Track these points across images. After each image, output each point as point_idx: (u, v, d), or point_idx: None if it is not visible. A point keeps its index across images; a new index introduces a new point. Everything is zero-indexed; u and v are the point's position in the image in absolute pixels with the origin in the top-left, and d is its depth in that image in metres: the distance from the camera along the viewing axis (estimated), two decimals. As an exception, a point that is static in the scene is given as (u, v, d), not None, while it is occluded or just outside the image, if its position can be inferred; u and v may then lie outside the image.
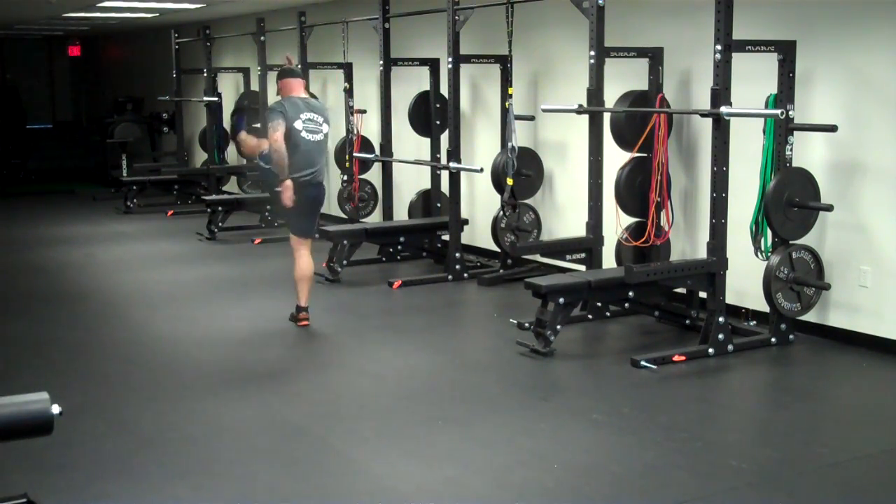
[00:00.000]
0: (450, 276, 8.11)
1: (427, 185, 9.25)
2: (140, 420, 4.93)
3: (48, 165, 17.94)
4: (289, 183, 6.33)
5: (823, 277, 6.03)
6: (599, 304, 6.63)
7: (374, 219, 10.04)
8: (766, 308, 6.09)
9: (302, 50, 10.34)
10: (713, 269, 5.93)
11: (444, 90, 8.37)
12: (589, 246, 6.73)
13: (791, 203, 5.85)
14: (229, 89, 13.77)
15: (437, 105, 8.87)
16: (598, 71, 6.49)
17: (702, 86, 6.54)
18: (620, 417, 4.85)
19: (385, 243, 8.70)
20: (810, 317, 6.16)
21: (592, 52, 6.49)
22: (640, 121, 6.67)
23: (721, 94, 5.68)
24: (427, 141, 9.07)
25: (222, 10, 12.68)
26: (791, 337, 6.07)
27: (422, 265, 8.77)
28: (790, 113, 5.88)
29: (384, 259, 8.73)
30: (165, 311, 7.28)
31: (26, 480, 3.98)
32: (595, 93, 6.51)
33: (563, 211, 8.22)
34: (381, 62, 8.91)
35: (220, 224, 10.50)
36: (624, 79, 6.98)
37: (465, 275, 8.14)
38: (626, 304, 6.30)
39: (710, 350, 5.82)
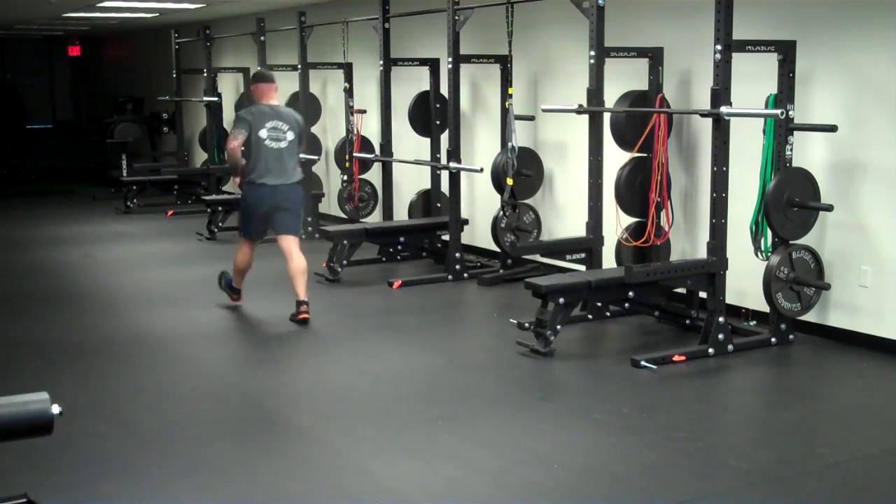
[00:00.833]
0: (450, 276, 8.11)
1: (427, 185, 9.25)
2: (140, 420, 4.93)
3: (48, 165, 17.95)
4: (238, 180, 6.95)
5: (823, 277, 6.03)
6: (599, 304, 6.62)
7: (374, 219, 10.04)
8: (766, 308, 6.09)
9: (302, 50, 10.35)
10: (713, 269, 5.93)
11: (444, 90, 8.36)
12: (589, 246, 6.73)
13: (791, 203, 5.85)
14: (229, 89, 13.78)
15: (437, 105, 8.87)
16: (598, 71, 6.49)
17: (702, 86, 6.54)
18: (620, 417, 4.85)
19: (385, 243, 8.69)
20: (810, 317, 6.16)
21: (592, 52, 6.48)
22: (640, 121, 6.67)
23: (721, 94, 5.68)
24: (427, 141, 9.07)
25: (222, 10, 12.68)
26: (791, 337, 6.07)
27: (422, 265, 8.77)
28: (790, 113, 5.88)
29: (384, 259, 8.73)
30: (165, 311, 7.27)
31: (26, 480, 3.98)
32: (595, 93, 6.51)
33: (563, 211, 8.22)
34: (381, 62, 8.90)
35: (220, 224, 10.49)
36: (624, 79, 6.98)
37: (465, 275, 8.14)
38: (626, 304, 6.29)
39: (710, 350, 5.82)
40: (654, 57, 6.83)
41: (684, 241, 7.07)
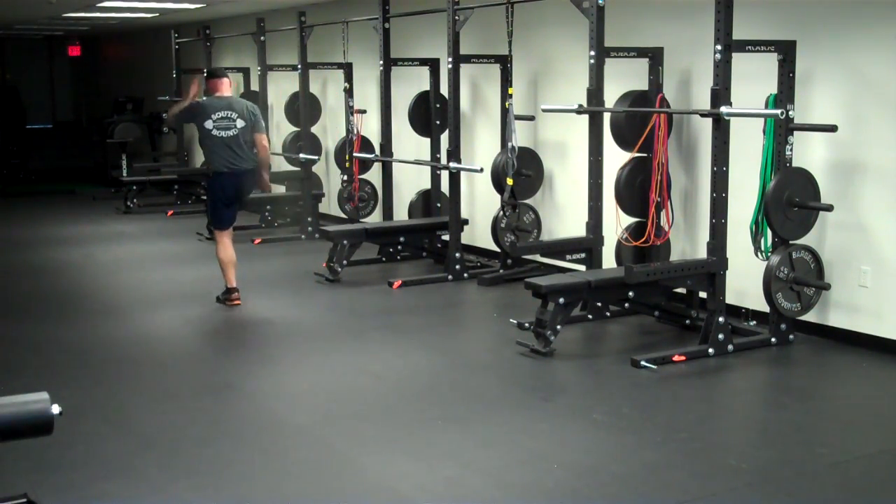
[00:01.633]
0: (450, 276, 8.11)
1: (427, 185, 9.25)
2: (140, 420, 4.93)
3: (48, 165, 17.94)
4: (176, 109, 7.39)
5: (823, 277, 6.03)
6: (599, 304, 6.62)
7: (374, 219, 10.04)
8: (766, 308, 6.09)
9: (302, 50, 10.34)
10: (713, 269, 5.93)
11: (444, 90, 8.36)
12: (589, 246, 6.72)
13: (791, 203, 5.85)
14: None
15: (437, 105, 8.87)
16: (598, 71, 6.49)
17: (702, 86, 6.54)
18: (620, 417, 4.85)
19: (385, 243, 8.69)
20: (810, 317, 6.16)
21: (592, 52, 6.48)
22: (640, 121, 6.67)
23: (721, 94, 5.68)
24: (427, 141, 9.07)
25: (222, 10, 12.68)
26: (791, 337, 6.07)
27: (422, 265, 8.77)
28: (790, 113, 5.88)
29: (384, 259, 8.73)
30: (165, 311, 7.27)
31: (26, 480, 3.99)
32: (595, 93, 6.51)
33: (563, 211, 8.22)
34: (381, 62, 8.90)
35: (220, 224, 10.48)
36: (624, 79, 6.98)
37: (465, 275, 8.14)
38: (626, 304, 6.29)
39: (710, 350, 5.82)
40: (654, 57, 6.83)
41: (684, 241, 7.07)
